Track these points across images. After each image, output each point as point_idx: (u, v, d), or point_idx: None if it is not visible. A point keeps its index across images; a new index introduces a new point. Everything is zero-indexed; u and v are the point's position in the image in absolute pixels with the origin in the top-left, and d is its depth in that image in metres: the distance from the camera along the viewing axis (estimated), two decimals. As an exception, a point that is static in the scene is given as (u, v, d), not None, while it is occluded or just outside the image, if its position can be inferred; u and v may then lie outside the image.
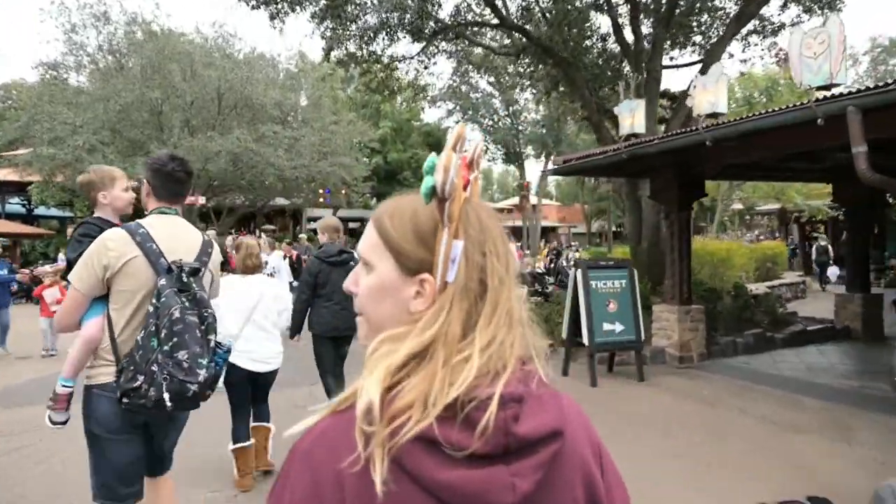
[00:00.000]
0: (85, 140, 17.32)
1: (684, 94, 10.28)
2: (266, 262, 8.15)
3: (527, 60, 13.79)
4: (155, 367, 2.18)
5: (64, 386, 2.48)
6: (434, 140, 39.87)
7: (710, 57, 10.68)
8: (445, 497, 0.67)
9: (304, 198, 25.37)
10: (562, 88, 13.41)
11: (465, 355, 0.72)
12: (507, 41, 15.05)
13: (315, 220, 34.62)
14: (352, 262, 4.75)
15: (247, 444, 4.01)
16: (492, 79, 30.29)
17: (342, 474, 0.68)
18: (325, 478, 0.70)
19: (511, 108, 34.42)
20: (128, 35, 19.30)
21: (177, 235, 2.50)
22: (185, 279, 2.32)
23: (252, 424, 4.11)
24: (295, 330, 4.72)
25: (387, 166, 34.98)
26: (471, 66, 19.01)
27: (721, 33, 11.34)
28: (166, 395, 2.18)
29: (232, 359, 3.77)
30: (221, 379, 3.83)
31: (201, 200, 18.72)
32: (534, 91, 18.37)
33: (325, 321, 4.69)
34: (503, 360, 0.74)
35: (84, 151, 17.28)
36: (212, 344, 2.33)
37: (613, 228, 44.03)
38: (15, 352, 8.66)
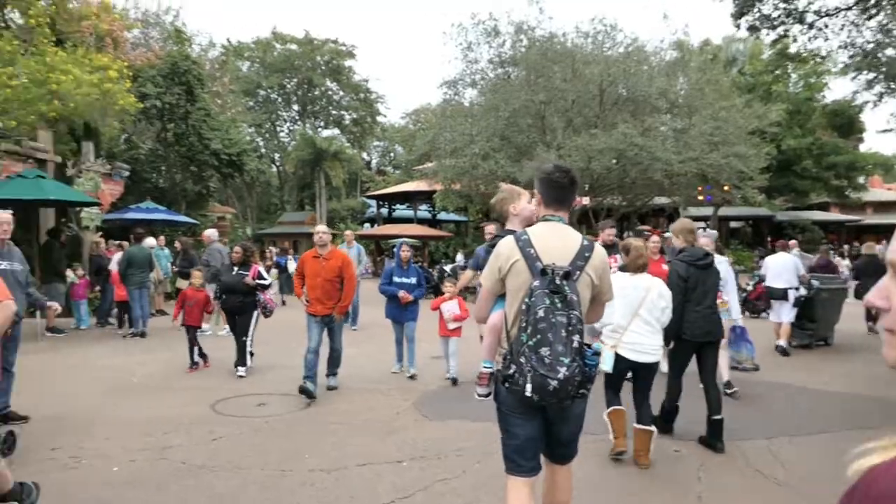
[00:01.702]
0: (480, 148, 18.50)
1: None
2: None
3: None
4: (523, 360, 2.43)
5: (485, 367, 2.88)
6: (844, 121, 32.86)
7: None
8: None
9: (683, 195, 23.09)
10: None
11: None
12: None
13: (694, 220, 31.89)
14: (714, 265, 4.98)
15: (618, 406, 4.54)
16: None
17: None
18: None
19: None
20: (515, 45, 20.06)
21: (554, 240, 2.67)
22: (557, 282, 2.46)
23: (634, 426, 4.47)
24: (670, 336, 4.74)
25: (780, 155, 29.96)
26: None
27: None
28: (528, 387, 2.41)
29: (618, 350, 4.36)
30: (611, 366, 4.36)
31: (585, 201, 18.27)
32: None
33: (698, 326, 4.79)
34: None
35: (479, 159, 18.49)
36: (574, 344, 2.42)
37: None
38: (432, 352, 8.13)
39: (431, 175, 22.42)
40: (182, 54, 17.09)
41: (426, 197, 28.88)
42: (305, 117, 47.87)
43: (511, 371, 2.49)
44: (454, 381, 6.96)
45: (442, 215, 32.41)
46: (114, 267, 10.65)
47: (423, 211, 32.64)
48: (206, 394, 6.45)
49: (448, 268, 19.32)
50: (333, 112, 48.86)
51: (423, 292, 7.59)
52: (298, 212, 41.81)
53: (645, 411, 4.55)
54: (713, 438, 4.82)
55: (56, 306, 6.25)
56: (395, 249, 7.52)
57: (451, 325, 7.03)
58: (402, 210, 34.67)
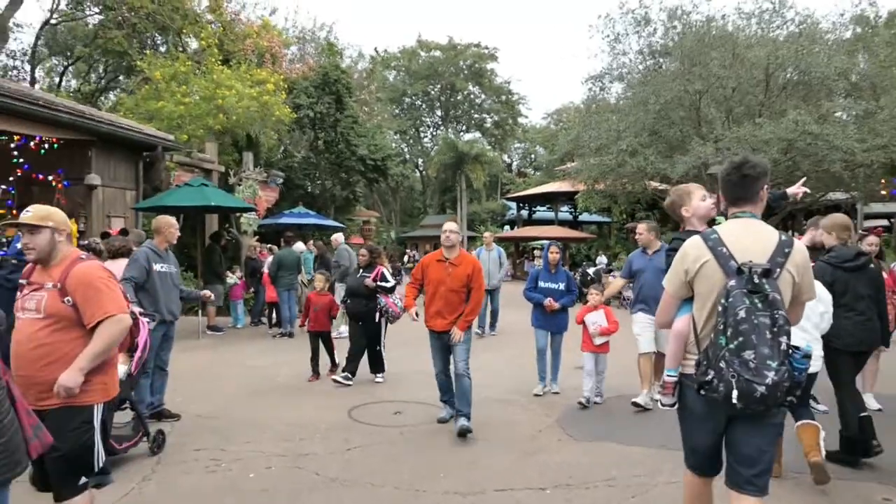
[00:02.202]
0: (627, 144, 17.45)
1: None
2: None
3: None
4: (723, 364, 2.30)
5: (669, 375, 2.75)
6: None
7: None
8: None
9: (863, 190, 20.12)
10: None
11: None
12: None
13: (875, 217, 27.89)
14: (871, 266, 4.52)
15: (807, 421, 4.03)
16: None
17: None
18: None
19: None
20: (667, 32, 18.71)
21: (747, 237, 2.53)
22: (756, 280, 2.32)
23: (796, 425, 4.02)
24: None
25: None
26: None
27: None
28: (734, 393, 2.26)
29: None
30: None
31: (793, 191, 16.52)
32: None
33: (849, 334, 4.36)
34: None
35: (626, 156, 17.44)
36: (782, 346, 2.26)
37: None
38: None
39: (574, 175, 21.59)
40: (332, 65, 17.84)
41: (568, 198, 28.02)
42: (448, 122, 48.72)
43: (709, 377, 2.37)
44: (584, 405, 6.02)
45: (584, 216, 31.30)
46: (266, 269, 11.20)
47: (565, 212, 31.73)
48: (343, 398, 6.39)
49: (591, 271, 18.39)
50: (475, 116, 49.29)
51: (574, 299, 6.64)
52: (440, 215, 42.59)
53: (802, 411, 4.14)
54: (864, 434, 4.33)
55: (208, 294, 6.45)
56: (543, 251, 6.76)
57: (598, 341, 6.16)
58: (542, 212, 34.01)
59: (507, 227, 38.05)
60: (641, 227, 6.23)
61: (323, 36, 26.56)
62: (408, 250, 32.06)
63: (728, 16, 18.32)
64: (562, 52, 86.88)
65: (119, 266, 5.71)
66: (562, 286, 6.57)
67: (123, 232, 8.58)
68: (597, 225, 32.78)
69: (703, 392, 2.41)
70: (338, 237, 10.54)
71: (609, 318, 6.17)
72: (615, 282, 6.62)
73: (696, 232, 2.85)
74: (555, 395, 6.56)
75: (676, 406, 2.73)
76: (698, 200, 3.22)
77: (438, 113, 49.36)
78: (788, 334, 2.28)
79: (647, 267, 5.99)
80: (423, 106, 48.85)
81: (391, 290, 7.23)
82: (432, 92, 47.31)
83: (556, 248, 6.76)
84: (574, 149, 21.45)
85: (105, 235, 8.02)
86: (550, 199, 30.99)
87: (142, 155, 11.42)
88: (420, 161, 48.24)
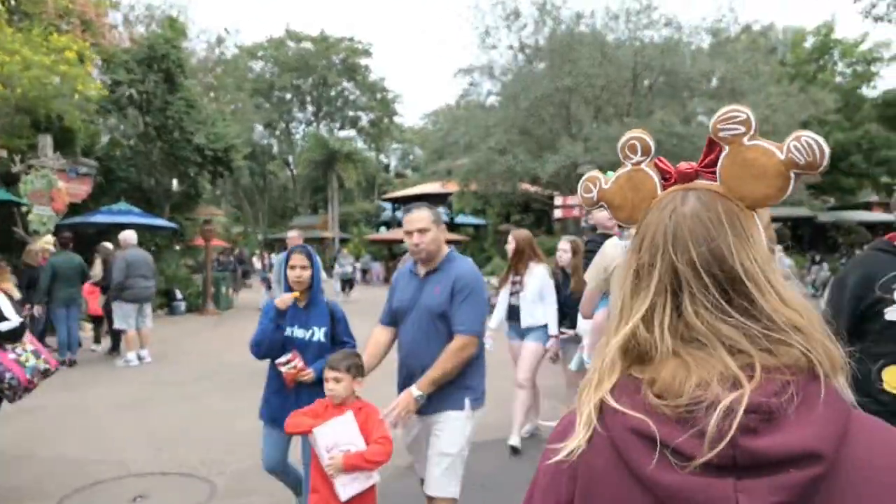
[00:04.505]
0: (496, 142, 16.52)
1: None
2: None
3: None
4: None
5: (588, 364, 3.28)
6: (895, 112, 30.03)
7: None
8: (661, 496, 0.67)
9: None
10: None
11: None
12: None
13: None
14: None
15: None
16: None
17: (578, 463, 0.74)
18: (563, 468, 0.75)
19: None
20: (538, 27, 18.03)
21: None
22: None
23: None
24: None
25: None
26: None
27: None
28: None
29: None
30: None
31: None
32: None
33: None
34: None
35: (496, 154, 16.51)
36: None
37: None
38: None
39: (443, 175, 20.51)
40: (160, 37, 15.32)
41: (443, 199, 27.01)
42: (321, 118, 46.37)
43: None
44: None
45: (461, 218, 30.44)
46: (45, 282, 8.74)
47: (441, 214, 30.73)
48: (67, 473, 4.36)
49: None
50: (349, 113, 47.30)
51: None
52: (311, 215, 40.22)
53: None
54: None
55: None
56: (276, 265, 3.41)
57: (344, 491, 2.56)
58: (418, 213, 32.77)
59: (382, 229, 36.48)
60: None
61: (175, 15, 23.57)
62: (259, 252, 29.37)
63: (597, 12, 17.98)
64: (438, 52, 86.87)
65: None
66: (320, 334, 3.21)
67: None
68: (474, 227, 32.08)
69: None
70: (128, 237, 8.21)
71: (370, 429, 2.65)
72: (373, 335, 3.14)
73: (610, 234, 3.11)
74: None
75: None
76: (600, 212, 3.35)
77: (310, 108, 46.84)
78: None
79: (411, 303, 2.94)
80: (294, 100, 46.13)
81: (14, 338, 3.62)
82: (303, 86, 44.75)
83: (302, 256, 3.20)
84: (444, 147, 20.37)
85: None
86: (426, 201, 29.83)
87: None
88: (291, 158, 45.53)
